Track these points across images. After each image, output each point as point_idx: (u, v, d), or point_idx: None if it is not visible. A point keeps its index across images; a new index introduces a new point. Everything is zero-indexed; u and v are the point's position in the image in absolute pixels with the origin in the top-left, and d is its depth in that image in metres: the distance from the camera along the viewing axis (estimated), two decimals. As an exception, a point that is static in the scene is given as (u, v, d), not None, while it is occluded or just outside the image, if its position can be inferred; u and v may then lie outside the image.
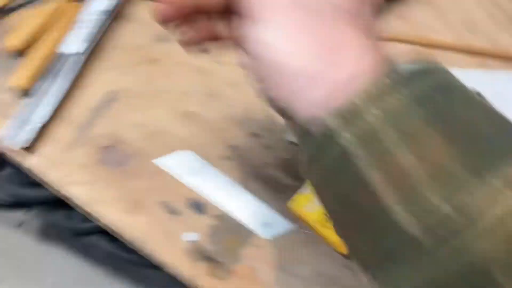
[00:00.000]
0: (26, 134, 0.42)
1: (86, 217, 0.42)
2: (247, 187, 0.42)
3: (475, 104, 0.21)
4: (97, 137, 0.44)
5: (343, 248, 0.39)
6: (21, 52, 0.46)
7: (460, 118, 0.20)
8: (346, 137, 0.20)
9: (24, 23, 0.46)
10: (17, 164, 0.43)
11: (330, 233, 0.40)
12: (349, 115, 0.20)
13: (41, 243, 0.84)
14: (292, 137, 0.44)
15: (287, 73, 0.22)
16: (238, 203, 0.41)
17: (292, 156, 0.44)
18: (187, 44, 0.29)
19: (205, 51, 0.30)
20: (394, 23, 0.52)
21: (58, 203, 0.51)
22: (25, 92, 0.44)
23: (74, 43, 0.46)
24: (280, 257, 0.40)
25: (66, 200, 0.42)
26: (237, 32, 0.25)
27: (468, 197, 0.19)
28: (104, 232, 0.42)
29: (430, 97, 0.20)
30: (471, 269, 0.18)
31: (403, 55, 0.22)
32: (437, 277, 0.19)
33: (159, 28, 0.28)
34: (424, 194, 0.19)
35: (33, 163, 0.43)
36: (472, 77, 0.45)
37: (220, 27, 0.28)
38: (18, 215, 0.85)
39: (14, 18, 0.49)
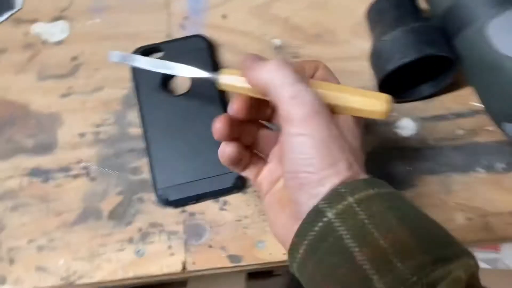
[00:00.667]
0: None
1: None
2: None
3: (419, 210, 0.29)
4: None
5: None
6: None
7: (416, 220, 0.28)
8: (331, 214, 0.28)
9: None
10: None
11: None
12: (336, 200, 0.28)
13: None
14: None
15: (305, 171, 0.30)
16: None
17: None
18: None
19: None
20: None
21: None
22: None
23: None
24: None
25: None
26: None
27: (428, 275, 0.25)
28: None
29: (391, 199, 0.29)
30: None
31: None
32: None
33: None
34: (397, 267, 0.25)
35: None
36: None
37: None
38: None
39: None
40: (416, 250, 0.26)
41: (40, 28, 0.49)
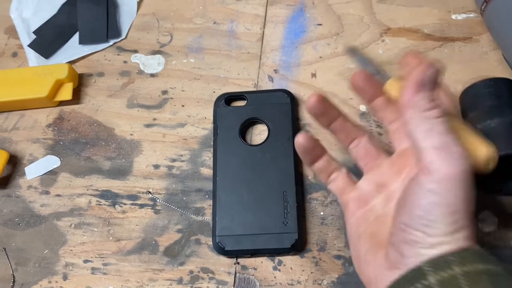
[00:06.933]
0: None
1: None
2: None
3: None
4: None
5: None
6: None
7: None
8: (433, 280, 0.26)
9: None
10: None
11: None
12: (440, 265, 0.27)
13: None
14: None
15: (422, 230, 0.28)
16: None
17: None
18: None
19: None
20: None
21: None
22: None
23: None
24: None
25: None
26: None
27: None
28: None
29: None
30: None
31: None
32: None
33: None
34: None
35: None
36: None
37: None
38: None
39: None
40: None
41: (139, 59, 0.52)
